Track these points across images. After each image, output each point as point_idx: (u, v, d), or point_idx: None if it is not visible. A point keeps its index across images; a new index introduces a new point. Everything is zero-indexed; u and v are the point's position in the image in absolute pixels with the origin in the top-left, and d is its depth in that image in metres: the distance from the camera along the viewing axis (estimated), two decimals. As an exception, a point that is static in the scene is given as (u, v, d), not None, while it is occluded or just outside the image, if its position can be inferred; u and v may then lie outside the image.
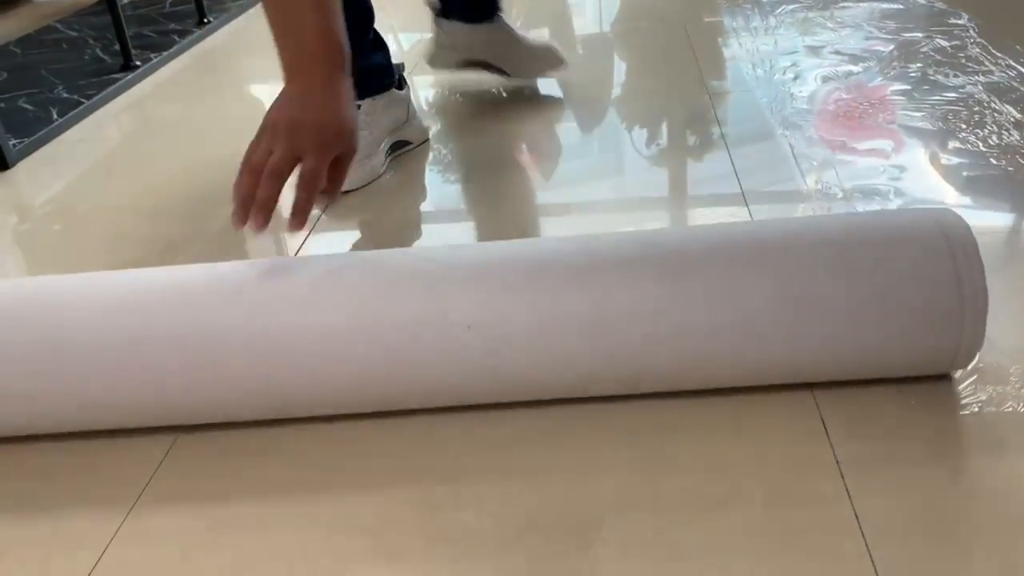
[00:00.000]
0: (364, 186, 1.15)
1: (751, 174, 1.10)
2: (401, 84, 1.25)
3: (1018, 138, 1.11)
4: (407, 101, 1.26)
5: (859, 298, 0.64)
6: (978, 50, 1.44)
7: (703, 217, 1.03)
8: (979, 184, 1.02)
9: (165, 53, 1.91)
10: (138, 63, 1.82)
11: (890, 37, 1.56)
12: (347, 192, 1.12)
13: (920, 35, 1.55)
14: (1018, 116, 1.18)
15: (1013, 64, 1.36)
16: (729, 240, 0.67)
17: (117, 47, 1.83)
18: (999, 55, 1.41)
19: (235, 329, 0.65)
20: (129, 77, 1.76)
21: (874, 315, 0.64)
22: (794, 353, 0.66)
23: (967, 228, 0.66)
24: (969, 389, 0.69)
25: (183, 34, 2.06)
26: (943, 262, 0.64)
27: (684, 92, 1.42)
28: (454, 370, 0.65)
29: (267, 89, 1.75)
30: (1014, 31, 1.52)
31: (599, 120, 1.36)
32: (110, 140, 1.47)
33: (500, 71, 1.41)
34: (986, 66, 1.37)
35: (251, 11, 2.34)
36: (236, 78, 1.81)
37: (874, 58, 1.47)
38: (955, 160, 1.08)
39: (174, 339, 0.65)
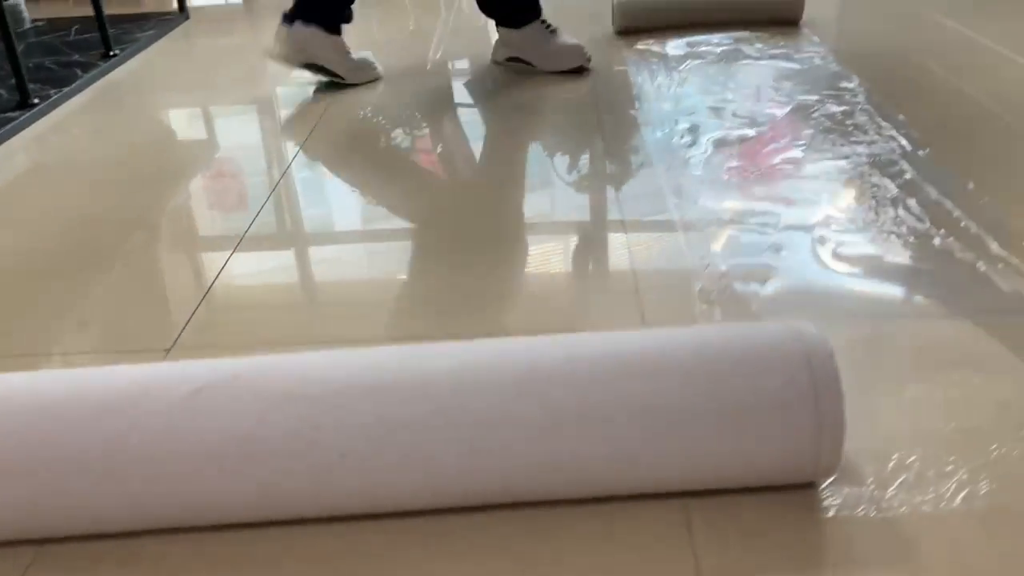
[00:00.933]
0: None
1: (646, 260, 1.13)
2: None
3: (893, 215, 1.18)
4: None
5: (721, 415, 0.67)
6: (865, 118, 1.51)
7: (594, 313, 1.06)
8: (853, 264, 1.07)
9: (66, 89, 1.85)
10: (36, 100, 1.77)
11: (785, 99, 1.62)
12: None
13: (814, 99, 1.62)
14: (895, 192, 1.24)
15: (895, 135, 1.43)
16: (598, 352, 0.70)
17: (13, 82, 1.78)
18: (883, 124, 1.48)
19: (97, 444, 0.65)
20: (26, 116, 1.70)
21: (736, 432, 0.67)
22: (658, 465, 0.68)
23: (828, 352, 0.69)
24: (829, 493, 0.72)
25: (87, 67, 2.00)
26: (803, 385, 0.68)
27: (584, 170, 1.45)
28: (327, 492, 0.66)
29: (178, 127, 1.72)
30: (900, 95, 1.60)
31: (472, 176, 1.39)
32: None
33: (529, 64, 1.89)
34: (870, 135, 1.44)
35: (160, 43, 2.30)
36: (142, 116, 1.77)
37: (769, 122, 1.53)
38: (833, 236, 1.13)
39: (35, 455, 0.64)
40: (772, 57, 1.88)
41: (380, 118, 1.69)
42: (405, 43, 2.24)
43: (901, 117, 1.50)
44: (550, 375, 0.68)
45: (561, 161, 1.44)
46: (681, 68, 1.84)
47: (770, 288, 1.03)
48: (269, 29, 2.43)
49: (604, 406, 0.67)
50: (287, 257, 1.20)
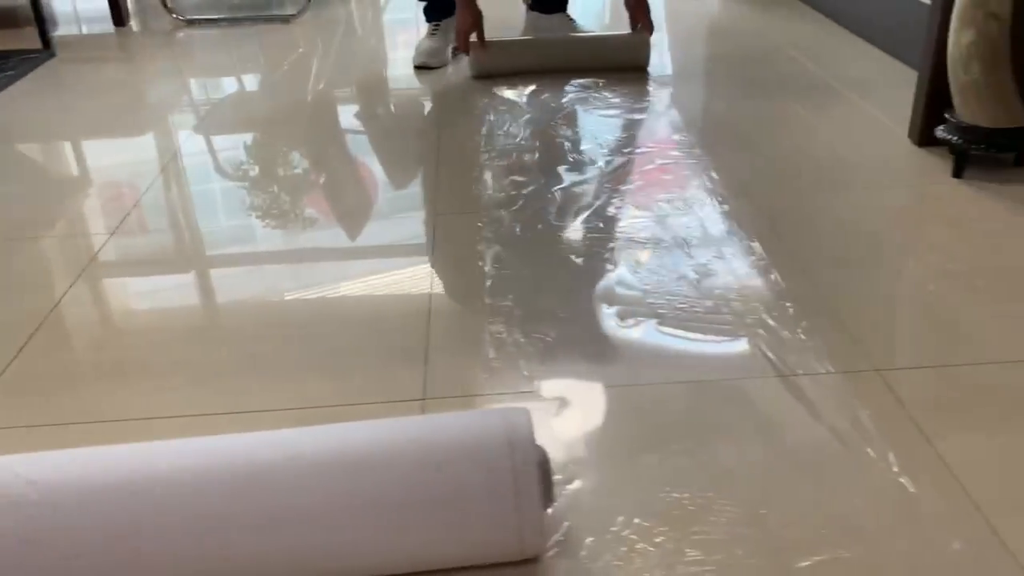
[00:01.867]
0: (440, 67, 2.23)
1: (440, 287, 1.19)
2: None
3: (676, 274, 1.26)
4: None
5: (431, 505, 0.73)
6: (688, 171, 1.60)
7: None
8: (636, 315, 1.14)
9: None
10: None
11: (609, 151, 1.71)
12: (432, 68, 2.27)
13: (641, 150, 1.71)
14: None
15: (714, 187, 1.52)
16: (318, 448, 0.74)
17: None
18: (712, 175, 1.57)
19: None
20: None
21: (445, 519, 0.73)
22: (377, 553, 0.73)
23: (529, 440, 0.75)
24: (549, 567, 0.78)
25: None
26: (503, 472, 0.73)
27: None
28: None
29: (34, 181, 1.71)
30: (726, 147, 1.70)
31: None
32: None
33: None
34: (689, 190, 1.53)
35: (22, 83, 2.27)
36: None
37: (597, 171, 1.60)
38: (624, 294, 1.21)
39: None
40: (611, 106, 1.96)
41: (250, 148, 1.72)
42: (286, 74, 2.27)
43: (715, 175, 1.59)
44: (270, 474, 0.73)
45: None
46: (525, 116, 1.91)
47: (553, 335, 1.10)
48: (146, 59, 2.43)
49: (321, 503, 0.72)
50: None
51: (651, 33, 2.19)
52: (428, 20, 2.34)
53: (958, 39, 1.44)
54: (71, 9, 3.27)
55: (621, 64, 2.20)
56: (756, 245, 1.33)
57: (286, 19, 2.86)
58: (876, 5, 2.28)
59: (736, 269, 1.26)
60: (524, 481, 0.74)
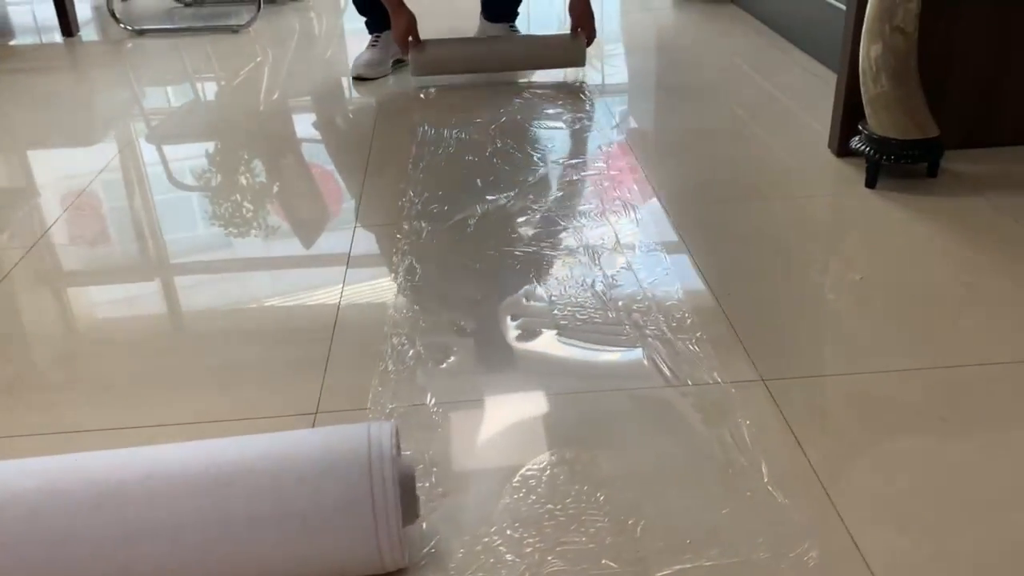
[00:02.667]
0: (379, 78, 2.26)
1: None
2: None
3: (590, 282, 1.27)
4: None
5: (292, 521, 0.74)
6: (608, 183, 1.62)
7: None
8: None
9: None
10: None
11: (538, 164, 1.72)
12: (369, 80, 2.28)
13: (572, 161, 1.73)
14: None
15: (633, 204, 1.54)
16: (178, 466, 0.75)
17: None
18: (634, 189, 1.59)
19: None
20: None
21: (306, 535, 0.74)
22: (239, 570, 0.74)
23: (389, 457, 0.76)
24: (411, 577, 0.80)
25: None
26: (362, 489, 0.75)
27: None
28: None
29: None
30: (662, 159, 1.72)
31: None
32: None
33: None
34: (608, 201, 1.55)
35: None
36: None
37: (517, 186, 1.62)
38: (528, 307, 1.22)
39: None
40: (547, 117, 1.98)
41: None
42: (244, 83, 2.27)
43: (635, 187, 1.61)
44: (126, 491, 0.73)
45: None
46: (459, 129, 1.92)
47: (455, 347, 1.11)
48: (92, 69, 2.42)
49: (177, 519, 0.73)
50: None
51: (591, 43, 2.22)
52: (370, 32, 2.35)
53: (867, 52, 1.47)
54: (29, 20, 3.26)
55: (557, 64, 2.26)
56: (665, 257, 1.35)
57: (235, 29, 2.86)
58: (809, 16, 2.32)
59: (643, 280, 1.28)
60: (382, 495, 0.75)
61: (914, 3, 1.42)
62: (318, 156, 1.87)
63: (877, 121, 1.50)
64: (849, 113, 1.62)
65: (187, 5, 3.29)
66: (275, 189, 1.69)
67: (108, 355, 1.17)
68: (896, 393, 1.02)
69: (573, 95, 2.14)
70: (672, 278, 1.28)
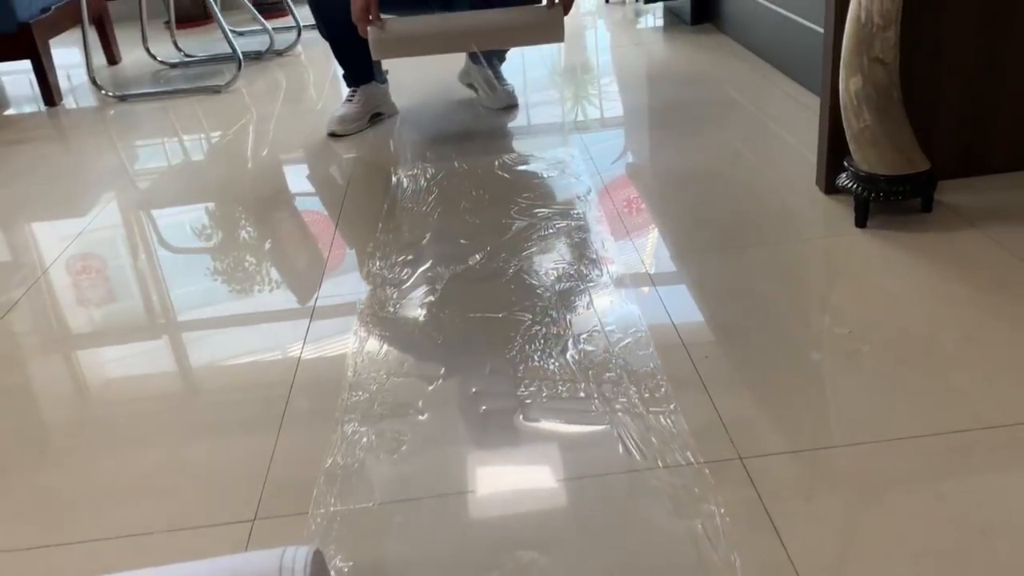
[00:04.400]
0: (355, 133, 2.22)
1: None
2: (383, 80, 2.35)
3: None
4: (385, 91, 2.36)
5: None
6: (586, 235, 1.54)
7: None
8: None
9: None
10: None
11: (518, 215, 1.65)
12: (344, 136, 2.22)
13: (547, 211, 1.65)
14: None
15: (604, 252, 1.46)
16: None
17: None
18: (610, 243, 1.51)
19: None
20: None
21: None
22: None
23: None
24: None
25: None
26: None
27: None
28: None
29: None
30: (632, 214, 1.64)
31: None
32: None
33: (478, 93, 2.44)
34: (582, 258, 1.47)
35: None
36: None
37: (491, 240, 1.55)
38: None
39: None
40: (522, 161, 1.92)
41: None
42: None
43: (611, 237, 1.54)
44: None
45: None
46: (431, 187, 1.86)
47: (409, 433, 1.03)
48: (77, 137, 2.39)
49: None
50: None
51: (567, 11, 1.97)
52: (348, 86, 2.31)
53: (847, 86, 1.39)
54: (10, 91, 3.26)
55: (533, 40, 2.07)
56: (640, 316, 1.26)
57: (216, 90, 2.83)
58: (794, 42, 2.24)
59: (616, 343, 1.20)
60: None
61: (891, 32, 1.34)
62: (285, 222, 1.81)
63: (863, 157, 1.42)
64: (834, 149, 1.53)
65: (173, 66, 3.28)
66: (244, 252, 1.63)
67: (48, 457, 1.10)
68: (888, 467, 0.93)
69: (555, 137, 2.07)
70: (646, 340, 1.20)
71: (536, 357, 1.19)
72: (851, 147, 1.43)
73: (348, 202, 1.82)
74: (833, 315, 1.22)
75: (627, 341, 1.20)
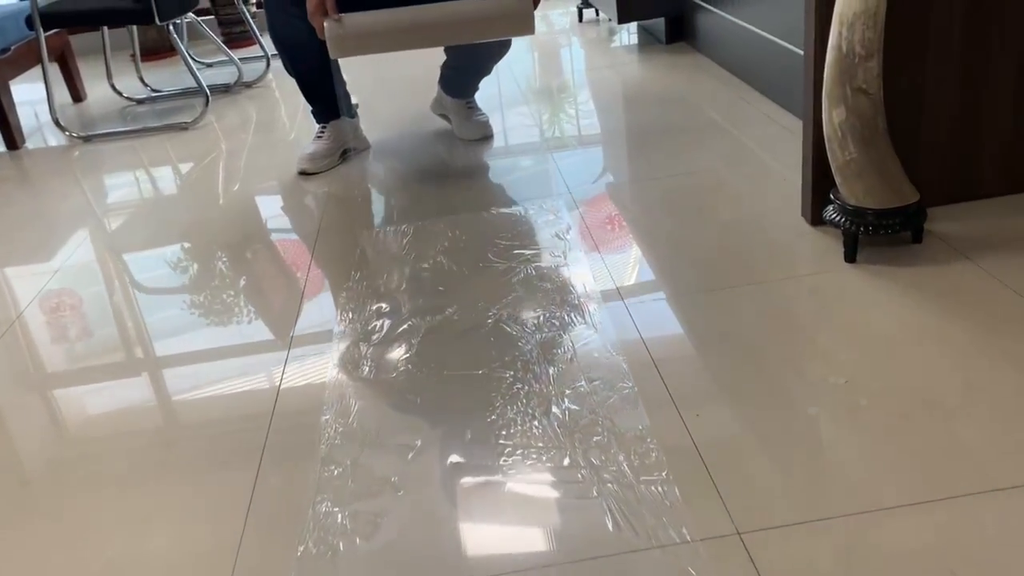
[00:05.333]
0: (326, 171, 2.17)
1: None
2: (352, 114, 2.32)
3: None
4: (356, 125, 2.32)
5: None
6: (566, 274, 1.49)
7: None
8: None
9: None
10: None
11: (499, 258, 1.59)
12: (315, 174, 2.17)
13: (528, 252, 1.59)
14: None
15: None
16: None
17: None
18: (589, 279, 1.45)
19: None
20: None
21: None
22: None
23: None
24: None
25: None
26: None
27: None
28: None
29: None
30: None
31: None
32: None
33: (451, 123, 2.42)
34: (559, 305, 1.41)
35: None
36: None
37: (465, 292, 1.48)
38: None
39: None
40: (501, 202, 1.86)
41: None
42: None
43: (592, 282, 1.48)
44: None
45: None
46: (405, 243, 1.80)
47: (380, 508, 0.96)
48: (38, 180, 2.31)
49: None
50: None
51: (537, 3, 1.87)
52: (317, 122, 2.24)
53: (830, 118, 1.34)
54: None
55: (501, 32, 1.91)
56: (627, 369, 1.20)
57: (184, 126, 2.76)
58: (774, 63, 2.20)
59: (603, 402, 1.14)
60: None
61: (874, 62, 1.29)
62: (254, 270, 1.74)
63: (849, 190, 1.37)
64: (819, 180, 1.48)
65: (139, 102, 3.20)
66: (208, 311, 1.56)
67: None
68: (895, 538, 0.87)
69: (534, 170, 2.02)
70: (634, 397, 1.14)
71: (518, 421, 1.13)
72: (837, 180, 1.38)
73: (320, 246, 1.75)
74: (828, 362, 1.16)
75: (614, 399, 1.14)
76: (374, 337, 1.38)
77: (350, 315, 1.45)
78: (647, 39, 3.16)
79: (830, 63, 1.32)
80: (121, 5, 2.68)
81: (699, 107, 2.31)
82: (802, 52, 1.94)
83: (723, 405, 1.10)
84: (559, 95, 2.68)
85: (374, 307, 1.47)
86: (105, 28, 3.21)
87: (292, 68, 2.14)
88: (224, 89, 3.21)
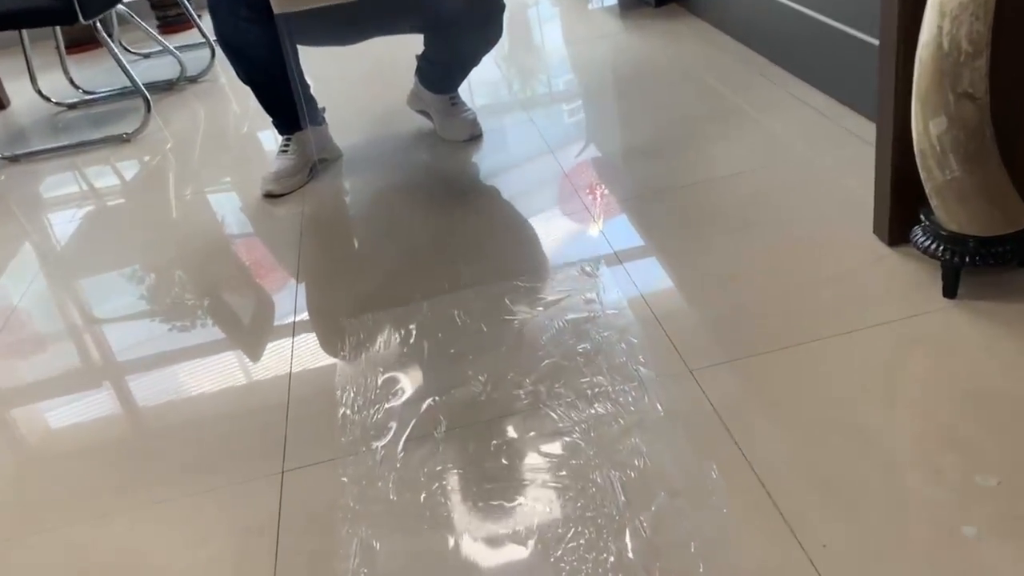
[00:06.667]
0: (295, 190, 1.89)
1: None
2: (320, 121, 2.02)
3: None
4: (324, 132, 2.04)
5: None
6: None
7: None
8: None
9: None
10: None
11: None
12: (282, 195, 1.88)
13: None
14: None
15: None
16: None
17: None
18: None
19: None
20: None
21: None
22: None
23: None
24: None
25: None
26: None
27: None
28: None
29: None
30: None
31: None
32: None
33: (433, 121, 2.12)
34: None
35: None
36: None
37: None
38: None
39: None
40: (506, 220, 1.60)
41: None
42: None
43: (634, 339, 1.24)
44: None
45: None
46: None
47: None
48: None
49: None
50: None
51: None
52: (280, 134, 1.95)
53: (924, 129, 1.10)
54: None
55: (472, 4, 1.77)
56: (711, 464, 0.97)
57: (126, 138, 2.44)
58: (788, 31, 1.94)
59: (693, 532, 0.90)
60: None
61: (982, 59, 1.04)
62: (220, 338, 1.47)
63: (949, 215, 1.13)
64: (900, 193, 1.25)
65: (71, 107, 2.86)
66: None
67: None
68: None
69: (538, 175, 1.75)
70: (736, 523, 0.90)
71: (575, 564, 0.89)
72: (933, 201, 1.15)
73: (303, 298, 1.48)
74: (965, 453, 0.94)
75: (708, 531, 0.90)
76: (385, 431, 1.12)
77: (351, 395, 1.20)
78: (632, 1, 2.87)
79: (926, 63, 1.07)
80: (39, 4, 2.33)
81: (713, 88, 2.05)
82: (878, 49, 1.68)
83: (849, 524, 0.87)
84: (534, 78, 2.40)
85: (379, 377, 1.21)
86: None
87: (246, 77, 1.83)
88: (167, 86, 2.87)
